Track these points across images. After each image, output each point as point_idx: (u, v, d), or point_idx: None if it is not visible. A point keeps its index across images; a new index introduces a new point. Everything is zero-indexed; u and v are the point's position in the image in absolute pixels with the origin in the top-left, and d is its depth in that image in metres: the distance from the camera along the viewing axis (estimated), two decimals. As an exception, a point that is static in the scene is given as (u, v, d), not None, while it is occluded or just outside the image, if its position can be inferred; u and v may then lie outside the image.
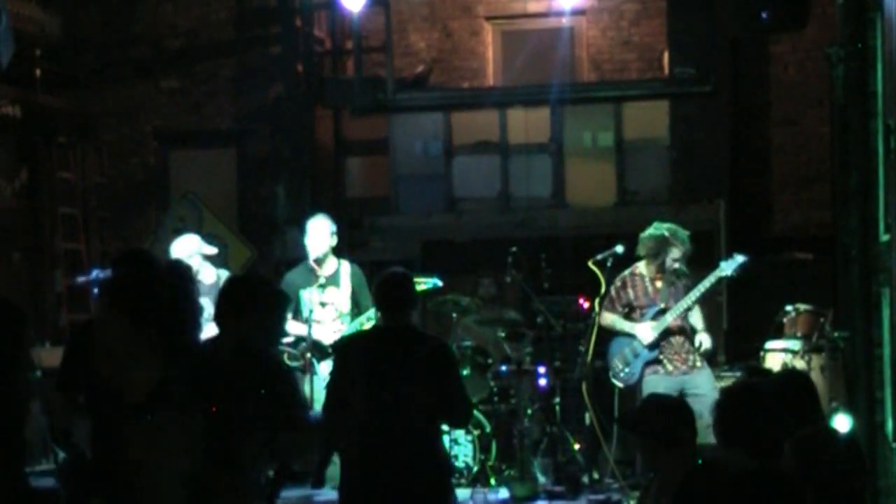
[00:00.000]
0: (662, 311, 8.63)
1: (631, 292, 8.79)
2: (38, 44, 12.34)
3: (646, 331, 8.65)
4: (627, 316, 8.78)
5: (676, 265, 8.68)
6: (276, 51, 13.24)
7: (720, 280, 8.79)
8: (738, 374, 9.38)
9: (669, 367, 8.62)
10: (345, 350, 6.36)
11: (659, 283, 8.71)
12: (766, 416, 4.50)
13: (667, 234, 8.67)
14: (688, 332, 8.69)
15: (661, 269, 8.70)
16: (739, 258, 8.71)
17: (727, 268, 8.69)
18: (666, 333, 8.63)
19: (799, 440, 4.35)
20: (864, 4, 7.92)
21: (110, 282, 4.21)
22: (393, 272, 6.21)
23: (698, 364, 8.64)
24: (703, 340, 8.66)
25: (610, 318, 8.85)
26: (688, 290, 8.65)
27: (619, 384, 8.84)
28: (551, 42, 13.29)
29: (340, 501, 6.03)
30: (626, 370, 8.73)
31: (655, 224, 8.82)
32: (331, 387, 6.15)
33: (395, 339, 6.00)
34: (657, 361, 8.64)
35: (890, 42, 7.35)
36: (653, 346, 8.64)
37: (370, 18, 12.89)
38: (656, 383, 8.56)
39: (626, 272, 8.88)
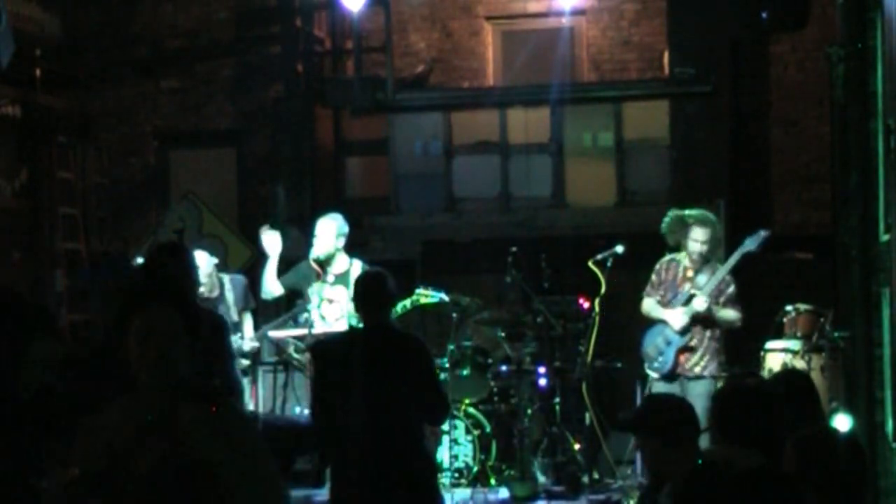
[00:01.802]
0: (692, 297, 8.58)
1: (664, 275, 8.75)
2: (38, 44, 12.32)
3: (676, 316, 8.55)
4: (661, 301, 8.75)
5: (700, 248, 8.55)
6: (276, 51, 13.23)
7: (745, 255, 8.67)
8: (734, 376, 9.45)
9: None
10: (323, 351, 6.38)
11: (690, 272, 8.67)
12: (767, 415, 4.50)
13: (684, 214, 8.66)
14: (708, 325, 8.60)
15: (691, 255, 8.63)
16: (763, 232, 8.65)
17: (751, 243, 8.64)
18: (694, 321, 8.57)
19: (800, 440, 4.35)
20: (864, 4, 7.93)
21: (158, 275, 4.05)
22: (371, 272, 6.30)
23: (697, 370, 8.57)
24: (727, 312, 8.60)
25: (648, 305, 8.76)
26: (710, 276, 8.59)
27: (654, 374, 8.70)
28: (551, 42, 13.28)
29: (330, 500, 6.07)
30: (660, 359, 8.61)
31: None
32: (314, 388, 6.19)
33: (373, 338, 6.04)
34: (687, 349, 8.57)
35: (890, 42, 7.36)
36: (684, 331, 8.54)
37: (370, 18, 12.89)
38: (658, 384, 8.63)
39: (667, 258, 8.82)
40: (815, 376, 8.55)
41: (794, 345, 9.22)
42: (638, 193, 12.52)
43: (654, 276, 8.79)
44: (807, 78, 12.75)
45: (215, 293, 9.10)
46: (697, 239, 8.56)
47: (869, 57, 7.90)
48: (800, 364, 8.97)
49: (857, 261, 8.19)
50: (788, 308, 9.49)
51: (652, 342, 8.68)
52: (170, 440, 3.38)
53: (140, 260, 9.15)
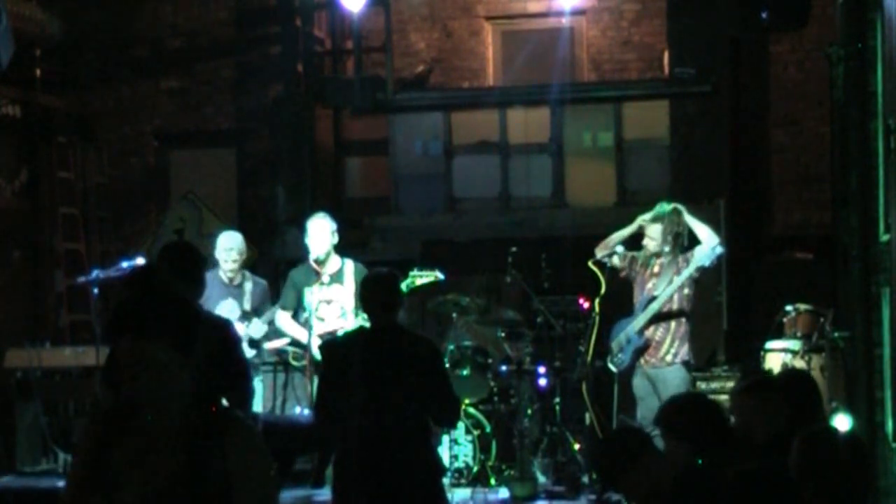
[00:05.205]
0: (653, 299, 8.73)
1: (637, 265, 8.97)
2: (38, 44, 12.32)
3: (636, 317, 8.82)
4: None
5: (648, 243, 8.84)
6: (276, 51, 13.23)
7: (700, 269, 8.80)
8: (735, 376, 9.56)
9: (641, 360, 8.75)
10: (333, 351, 6.36)
11: (657, 267, 8.83)
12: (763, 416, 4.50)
13: (644, 217, 8.89)
14: (673, 319, 8.72)
15: (646, 250, 8.88)
16: (719, 249, 8.76)
17: (706, 258, 8.73)
18: (653, 319, 8.72)
19: (805, 438, 4.35)
20: (864, 4, 7.92)
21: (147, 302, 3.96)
22: (379, 273, 6.23)
23: (668, 358, 8.71)
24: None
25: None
26: (670, 281, 8.72)
27: (613, 369, 9.01)
28: (551, 42, 13.28)
29: (333, 500, 6.06)
30: (619, 356, 8.90)
31: None
32: (320, 388, 6.17)
33: (383, 339, 6.02)
34: (645, 349, 8.73)
35: (890, 42, 7.36)
36: (641, 332, 8.75)
37: (370, 18, 12.88)
38: (634, 380, 8.85)
39: (643, 252, 9.05)
40: (815, 376, 8.54)
41: (794, 345, 9.23)
42: (638, 193, 12.51)
43: (629, 252, 8.96)
44: (807, 78, 12.74)
45: (236, 282, 9.06)
46: (649, 236, 8.84)
47: (869, 57, 7.90)
48: (800, 364, 8.98)
49: (857, 261, 8.19)
50: (788, 308, 9.49)
51: (615, 338, 8.95)
52: (171, 465, 3.33)
53: (140, 260, 9.10)
